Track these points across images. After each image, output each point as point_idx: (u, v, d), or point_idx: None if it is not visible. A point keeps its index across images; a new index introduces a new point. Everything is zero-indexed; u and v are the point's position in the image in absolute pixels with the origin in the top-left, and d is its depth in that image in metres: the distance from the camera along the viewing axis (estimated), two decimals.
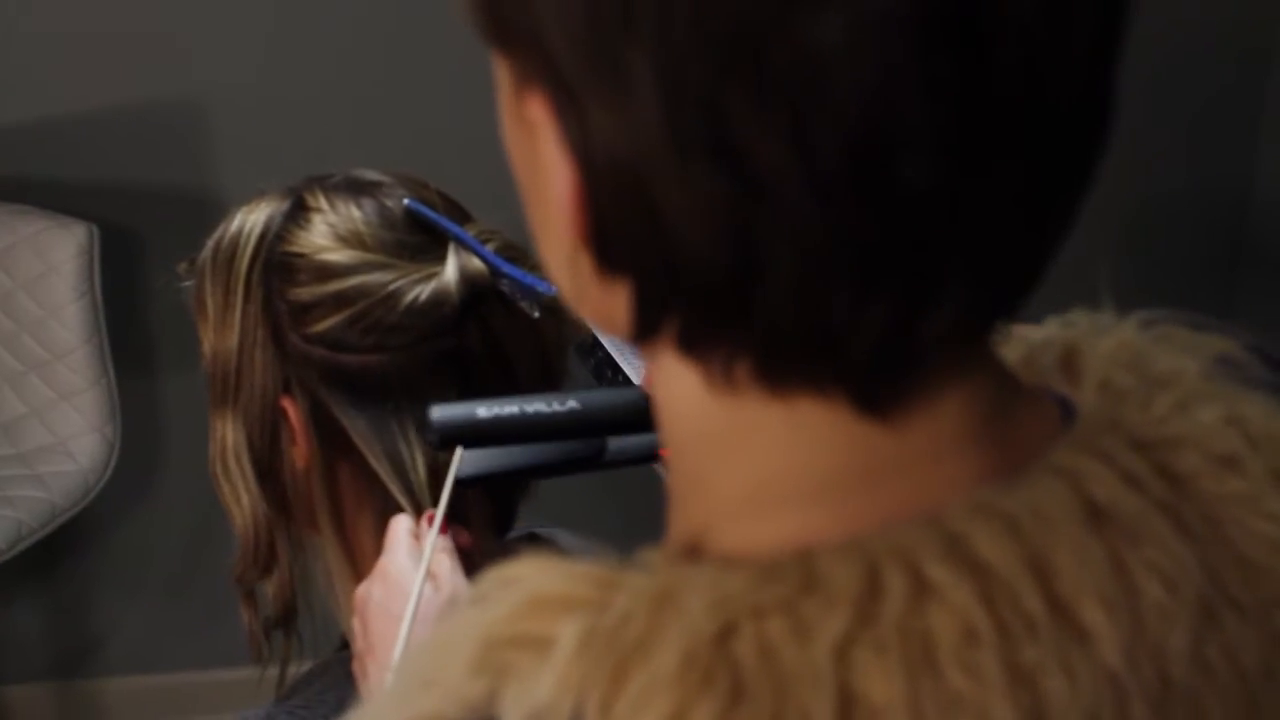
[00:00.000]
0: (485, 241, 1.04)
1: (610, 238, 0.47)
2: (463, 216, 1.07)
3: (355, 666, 0.98)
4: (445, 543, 0.96)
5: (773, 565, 0.46)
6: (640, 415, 0.94)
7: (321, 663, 1.11)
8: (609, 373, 1.94)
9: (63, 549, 2.55)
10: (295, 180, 1.08)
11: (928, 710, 0.44)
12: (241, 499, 1.05)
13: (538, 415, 0.93)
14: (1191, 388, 0.55)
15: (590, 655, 0.46)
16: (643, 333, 0.48)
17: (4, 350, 2.30)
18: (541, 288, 1.03)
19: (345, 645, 1.11)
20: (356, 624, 0.96)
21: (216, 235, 1.06)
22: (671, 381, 0.50)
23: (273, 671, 1.13)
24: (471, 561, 0.98)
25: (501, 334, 1.04)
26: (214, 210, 2.45)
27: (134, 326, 2.48)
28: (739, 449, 0.49)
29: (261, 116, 2.44)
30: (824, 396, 0.47)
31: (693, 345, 0.48)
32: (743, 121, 0.42)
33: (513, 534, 1.13)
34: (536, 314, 1.04)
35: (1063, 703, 0.46)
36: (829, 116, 0.42)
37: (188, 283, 1.09)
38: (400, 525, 0.98)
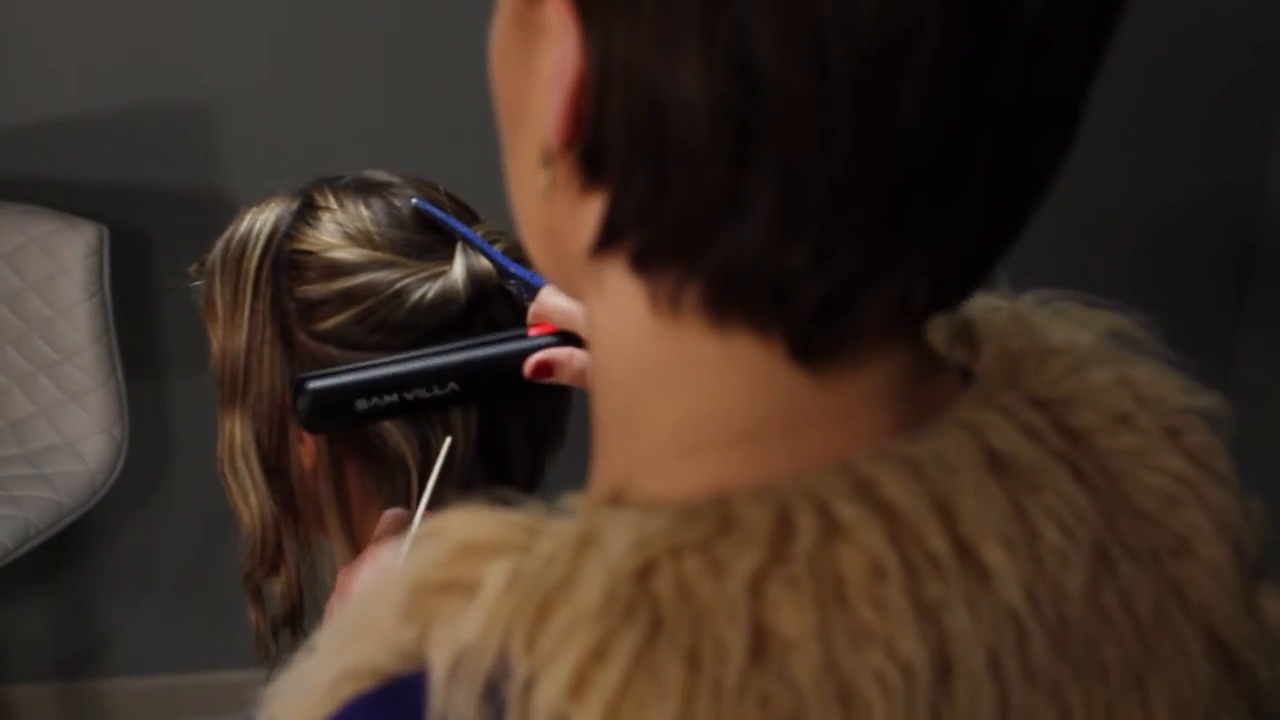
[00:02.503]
0: (493, 242, 1.04)
1: (607, 141, 0.48)
2: (471, 217, 1.08)
3: None
4: None
5: (691, 509, 0.49)
6: (522, 382, 0.97)
7: None
8: None
9: (69, 549, 2.55)
10: (304, 181, 1.09)
11: (837, 641, 0.47)
12: (249, 497, 1.05)
13: (417, 401, 0.95)
14: (1084, 353, 0.58)
15: (515, 594, 0.48)
16: (602, 244, 0.50)
17: (13, 350, 2.31)
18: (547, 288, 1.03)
19: None
20: (336, 602, 0.96)
21: (226, 235, 1.07)
22: (611, 304, 0.52)
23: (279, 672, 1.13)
24: None
25: None
26: (223, 211, 2.46)
27: (142, 328, 2.48)
28: (671, 382, 0.51)
29: (270, 118, 2.45)
30: (762, 337, 0.50)
31: (647, 263, 0.50)
32: (759, 27, 0.44)
33: None
34: None
35: (965, 637, 0.48)
36: (848, 38, 0.44)
37: (198, 283, 1.09)
38: (389, 519, 0.99)
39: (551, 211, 0.52)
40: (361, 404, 0.95)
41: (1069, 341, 0.59)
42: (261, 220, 1.05)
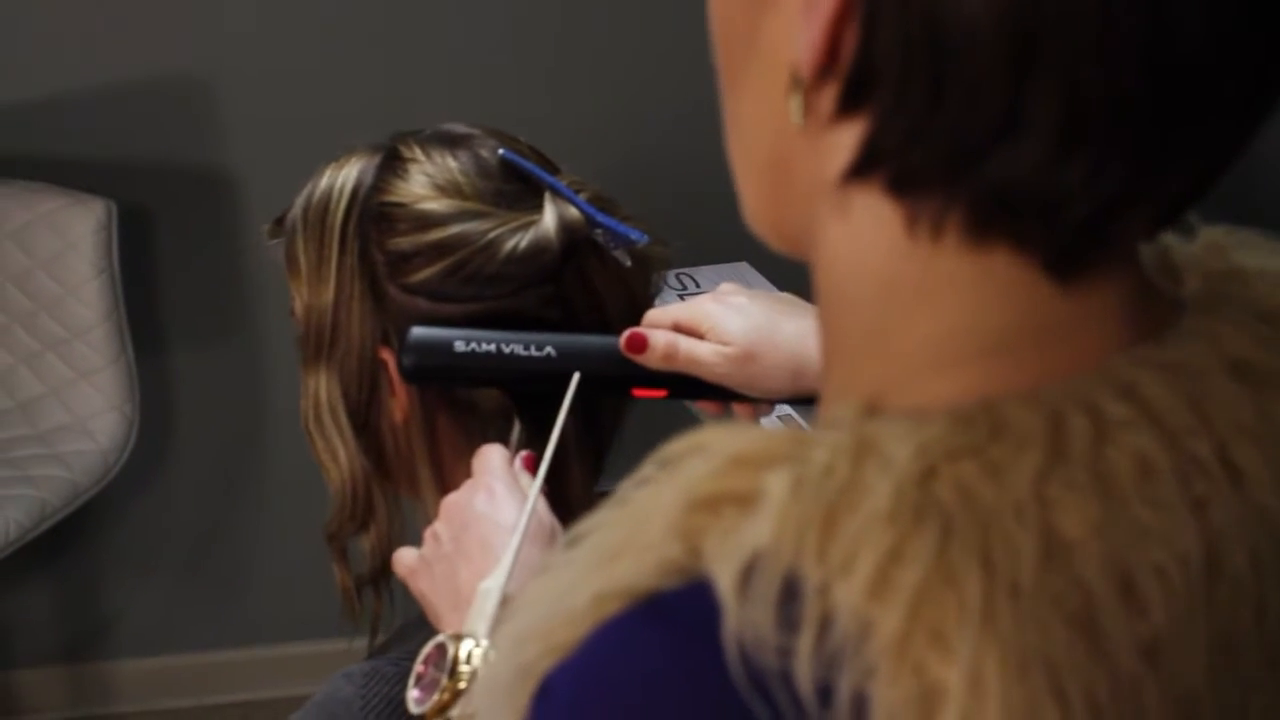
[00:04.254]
0: (577, 191, 1.04)
1: (877, 64, 0.48)
2: (552, 168, 1.07)
3: (423, 570, 0.96)
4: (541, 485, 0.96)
5: (963, 415, 0.50)
6: (616, 365, 1.00)
7: (416, 617, 1.11)
8: None
9: (74, 531, 2.53)
10: (382, 136, 1.08)
11: (1117, 539, 0.48)
12: (338, 454, 1.05)
13: (514, 358, 0.98)
14: None
15: (801, 502, 0.48)
16: (860, 170, 0.50)
17: (21, 330, 2.29)
18: (634, 236, 1.03)
19: None
20: (442, 529, 0.95)
21: (305, 192, 1.06)
22: (855, 228, 0.52)
23: (360, 642, 1.12)
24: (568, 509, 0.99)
25: (597, 282, 1.04)
26: (225, 187, 2.46)
27: (146, 305, 2.46)
28: (926, 300, 0.52)
29: (273, 93, 2.43)
30: (1021, 253, 0.50)
31: (911, 188, 0.50)
32: None
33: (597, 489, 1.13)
34: (629, 263, 1.05)
35: (1229, 535, 0.50)
36: None
37: (275, 241, 1.08)
38: (495, 452, 0.98)
39: (788, 142, 0.53)
40: (460, 345, 0.97)
41: (1262, 266, 0.60)
42: (344, 175, 1.04)
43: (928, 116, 0.48)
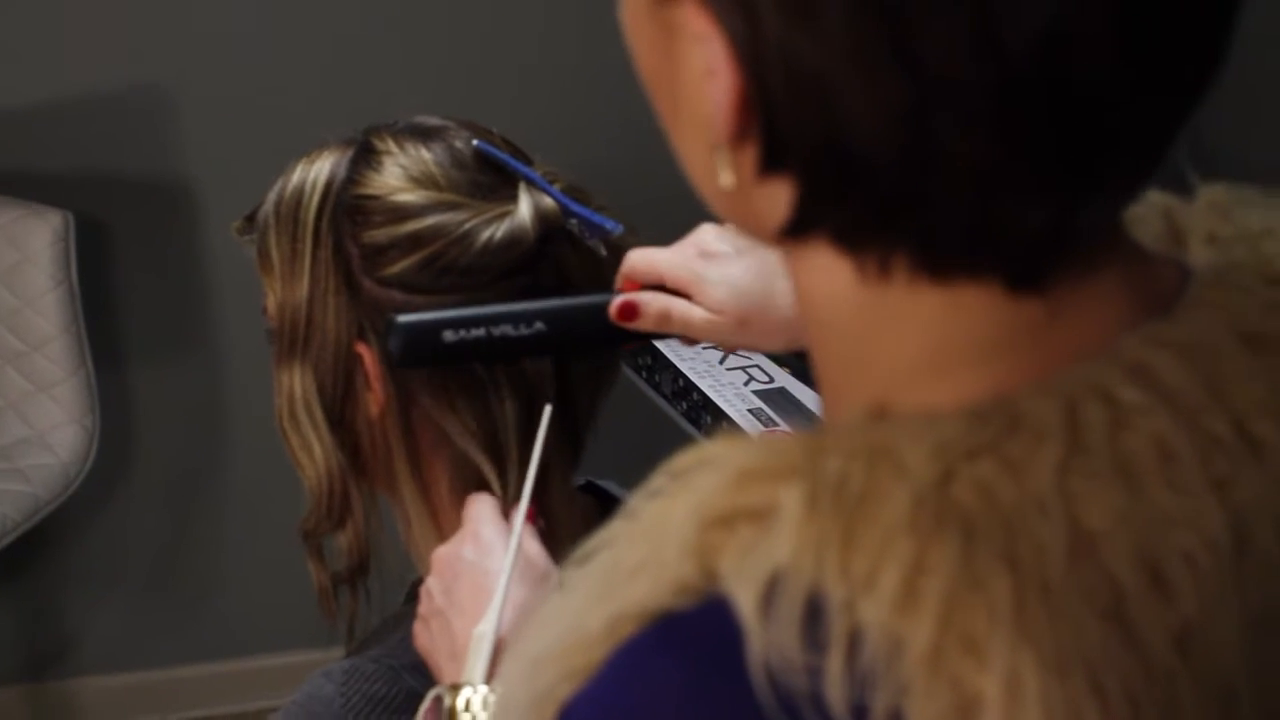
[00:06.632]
0: (551, 182, 1.04)
1: (781, 138, 0.48)
2: (526, 159, 1.07)
3: (420, 628, 0.97)
4: (530, 526, 0.96)
5: (978, 411, 0.48)
6: (604, 329, 1.00)
7: (394, 615, 1.10)
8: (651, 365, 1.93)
9: (33, 547, 2.50)
10: (354, 130, 1.07)
11: (1143, 527, 0.47)
12: (313, 450, 1.04)
13: (504, 339, 0.97)
14: None
15: (818, 516, 0.47)
16: (797, 229, 0.50)
17: None
18: (609, 226, 1.03)
19: (412, 597, 1.10)
20: (434, 583, 0.95)
21: (277, 187, 1.05)
22: (819, 274, 0.52)
23: (323, 656, 1.11)
24: (553, 536, 0.99)
25: (572, 273, 1.04)
26: (183, 198, 2.45)
27: (103, 318, 2.44)
28: (898, 328, 0.51)
29: (230, 104, 2.42)
30: (980, 280, 0.49)
31: (849, 240, 0.49)
32: (924, 30, 0.44)
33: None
34: (604, 252, 1.04)
35: (1255, 509, 0.49)
36: (1019, 22, 0.43)
37: (247, 238, 1.07)
38: (483, 501, 0.98)
39: (737, 195, 0.51)
40: (449, 335, 0.96)
41: (1266, 223, 0.59)
42: (316, 169, 1.03)
43: (845, 183, 0.47)
